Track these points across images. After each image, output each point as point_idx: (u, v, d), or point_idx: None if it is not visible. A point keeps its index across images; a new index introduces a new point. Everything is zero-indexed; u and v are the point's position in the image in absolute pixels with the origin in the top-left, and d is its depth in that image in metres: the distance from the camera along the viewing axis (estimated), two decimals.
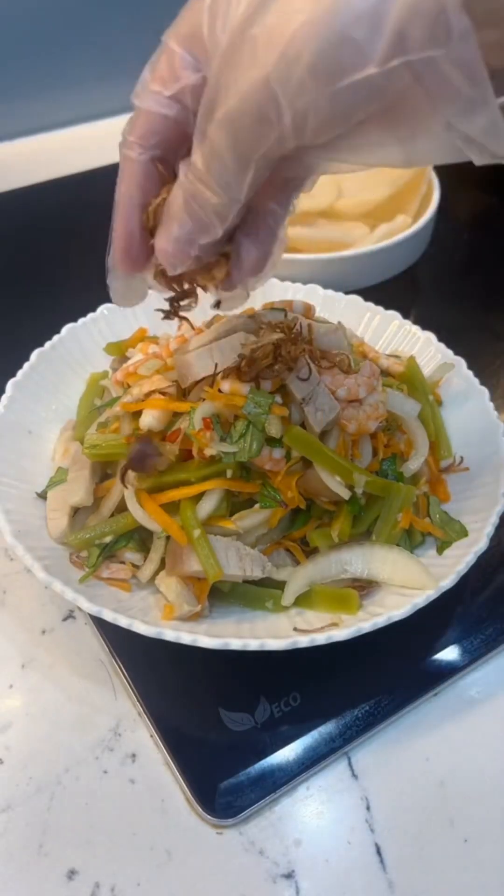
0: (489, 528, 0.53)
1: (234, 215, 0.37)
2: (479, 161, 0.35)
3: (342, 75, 0.30)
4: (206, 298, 0.47)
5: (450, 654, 0.54)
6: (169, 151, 0.39)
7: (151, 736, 0.50)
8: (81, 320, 0.66)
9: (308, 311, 0.60)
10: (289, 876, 0.45)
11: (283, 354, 0.50)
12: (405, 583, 0.52)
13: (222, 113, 0.33)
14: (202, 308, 0.69)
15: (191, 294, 0.45)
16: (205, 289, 0.44)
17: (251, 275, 0.43)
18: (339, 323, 0.59)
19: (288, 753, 0.49)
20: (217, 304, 0.46)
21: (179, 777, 0.48)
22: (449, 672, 0.53)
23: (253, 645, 0.47)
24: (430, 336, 0.67)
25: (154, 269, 0.43)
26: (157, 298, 0.70)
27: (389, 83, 0.31)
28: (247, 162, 0.34)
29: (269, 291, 0.70)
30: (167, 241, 0.39)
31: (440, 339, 0.67)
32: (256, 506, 0.52)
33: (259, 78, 0.32)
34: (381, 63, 0.30)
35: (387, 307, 0.69)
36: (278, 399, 0.50)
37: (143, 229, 0.41)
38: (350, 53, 0.30)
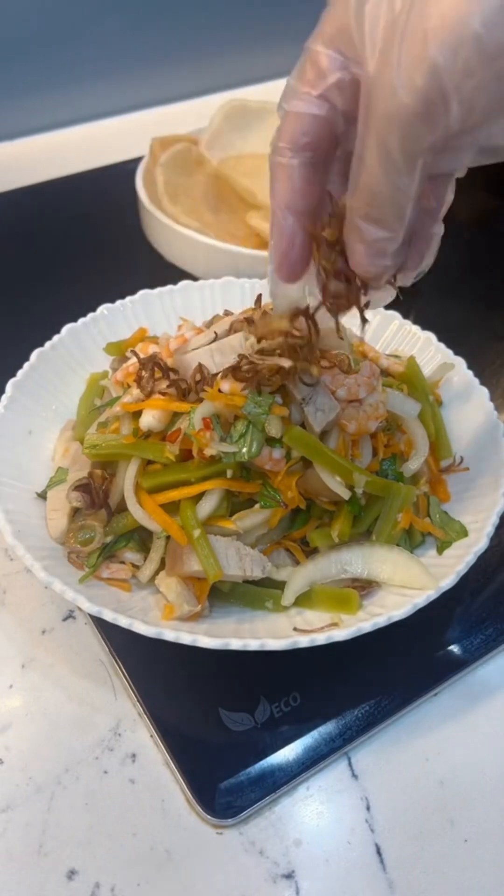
0: (489, 528, 0.53)
1: (410, 215, 0.36)
2: None
3: None
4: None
5: (450, 654, 0.54)
6: (320, 153, 0.39)
7: (151, 736, 0.50)
8: (81, 320, 0.66)
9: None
10: (289, 876, 0.45)
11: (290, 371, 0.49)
12: (405, 583, 0.52)
13: (387, 110, 0.32)
14: (202, 308, 0.69)
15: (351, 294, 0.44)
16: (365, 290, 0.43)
17: (413, 270, 0.43)
18: (340, 323, 0.59)
19: (288, 753, 0.49)
20: (366, 305, 0.45)
21: (179, 777, 0.48)
22: (449, 672, 0.53)
23: (253, 645, 0.47)
24: (430, 336, 0.67)
25: (320, 281, 0.42)
26: (158, 295, 0.71)
27: None
28: (416, 158, 0.33)
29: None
30: (362, 258, 0.38)
31: (440, 339, 0.67)
32: (256, 506, 0.52)
33: (425, 69, 0.31)
34: None
35: (387, 307, 0.69)
36: (278, 399, 0.50)
37: (302, 237, 0.41)
38: None
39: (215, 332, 0.56)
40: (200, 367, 0.52)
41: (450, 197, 0.42)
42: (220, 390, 0.50)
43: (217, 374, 0.51)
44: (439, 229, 0.43)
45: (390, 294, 0.45)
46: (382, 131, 0.33)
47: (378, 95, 0.33)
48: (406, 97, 0.31)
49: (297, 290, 0.44)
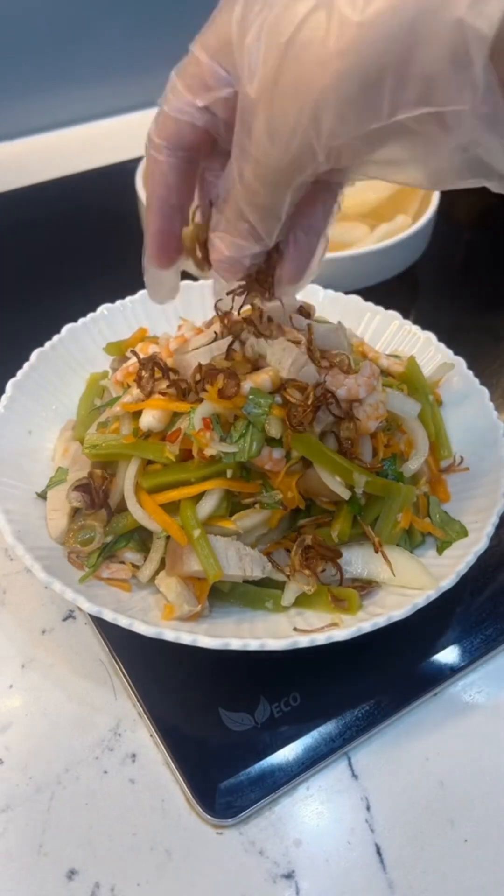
0: (489, 528, 0.53)
1: (277, 230, 0.39)
2: (496, 188, 0.37)
3: (370, 121, 0.32)
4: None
5: (450, 654, 0.54)
6: (195, 153, 0.41)
7: (151, 736, 0.50)
8: (81, 320, 0.66)
9: (308, 311, 0.60)
10: (289, 876, 0.45)
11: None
12: (405, 583, 0.52)
13: (259, 152, 0.35)
14: (202, 308, 0.69)
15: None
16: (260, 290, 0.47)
17: (289, 283, 0.46)
18: (339, 323, 0.59)
19: (288, 753, 0.49)
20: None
21: (179, 777, 0.48)
22: (449, 672, 0.53)
23: (253, 645, 0.47)
24: (430, 336, 0.67)
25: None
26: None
27: (416, 125, 0.32)
28: (284, 193, 0.37)
29: None
30: (219, 259, 0.42)
31: (440, 339, 0.67)
32: (256, 506, 0.52)
33: (293, 125, 0.33)
34: (407, 110, 0.31)
35: (387, 307, 0.69)
36: (278, 399, 0.51)
37: (173, 227, 0.43)
38: (376, 104, 0.32)
39: (215, 332, 0.56)
40: (200, 366, 0.52)
41: (334, 209, 0.45)
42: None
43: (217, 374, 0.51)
44: (319, 246, 0.45)
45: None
46: (252, 168, 0.36)
47: (254, 131, 0.35)
48: (277, 151, 0.34)
49: (171, 276, 0.46)
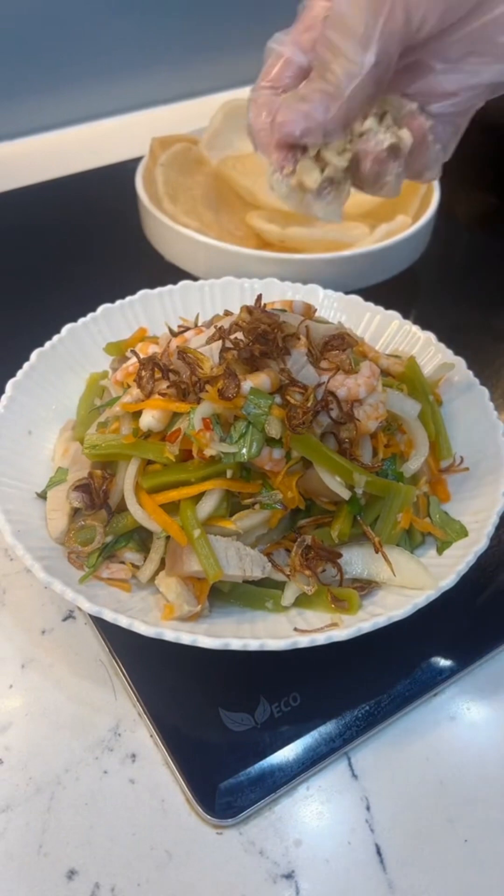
0: (489, 528, 0.53)
1: (360, 89, 0.41)
2: None
3: None
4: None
5: (450, 654, 0.54)
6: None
7: (151, 736, 0.50)
8: (81, 320, 0.66)
9: (308, 311, 0.60)
10: (289, 876, 0.45)
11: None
12: (405, 583, 0.52)
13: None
14: (202, 308, 0.69)
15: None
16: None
17: (418, 166, 0.47)
18: (339, 323, 0.59)
19: (288, 753, 0.49)
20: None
21: (179, 777, 0.48)
22: (449, 672, 0.53)
23: (253, 645, 0.47)
24: (430, 336, 0.67)
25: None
26: (158, 295, 0.71)
27: None
28: (373, 24, 0.39)
29: (269, 291, 0.70)
30: (287, 103, 0.43)
31: (440, 339, 0.67)
32: (256, 506, 0.52)
33: None
34: None
35: (387, 307, 0.69)
36: (278, 399, 0.51)
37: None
38: None
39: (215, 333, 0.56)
40: (194, 368, 0.51)
41: (456, 137, 0.46)
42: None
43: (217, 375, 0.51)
44: (434, 147, 0.46)
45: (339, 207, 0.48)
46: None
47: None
48: None
49: (288, 181, 0.47)
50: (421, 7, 0.38)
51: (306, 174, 0.46)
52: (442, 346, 0.66)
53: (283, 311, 0.57)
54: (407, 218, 0.82)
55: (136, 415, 0.53)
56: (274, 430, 0.50)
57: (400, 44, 0.40)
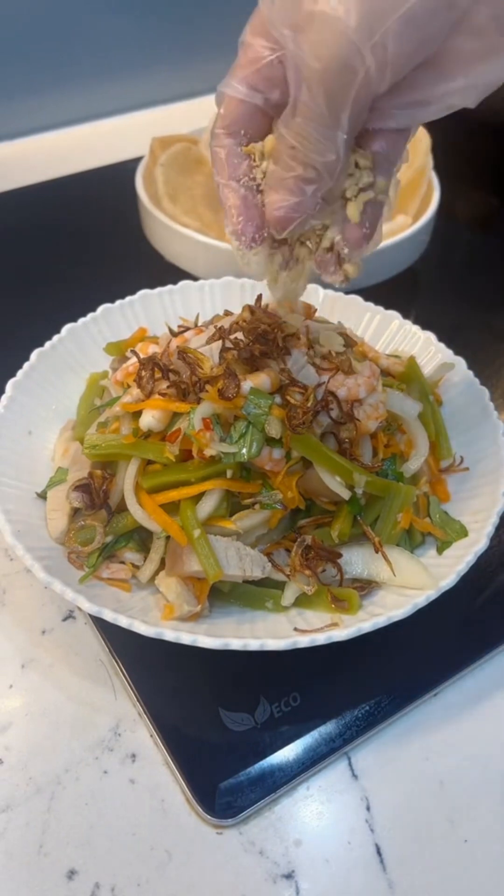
0: (489, 528, 0.53)
1: (338, 168, 0.40)
2: None
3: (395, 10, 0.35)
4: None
5: (450, 653, 0.54)
6: (252, 135, 0.43)
7: (151, 736, 0.50)
8: (81, 320, 0.66)
9: (308, 311, 0.60)
10: (289, 876, 0.45)
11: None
12: (405, 583, 0.52)
13: (313, 69, 0.37)
14: (202, 308, 0.69)
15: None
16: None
17: (354, 246, 0.45)
18: (340, 323, 0.59)
19: (288, 753, 0.49)
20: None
21: (179, 777, 0.48)
22: (449, 672, 0.53)
23: (253, 645, 0.47)
24: (430, 336, 0.67)
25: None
26: (158, 295, 0.71)
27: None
28: (342, 106, 0.37)
29: None
30: (276, 200, 0.42)
31: (440, 339, 0.67)
32: (256, 506, 0.52)
33: (341, 34, 0.35)
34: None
35: (387, 307, 0.69)
36: (278, 399, 0.51)
37: (252, 198, 0.44)
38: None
39: (215, 333, 0.56)
40: (194, 368, 0.51)
41: (401, 158, 0.45)
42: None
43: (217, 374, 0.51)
44: (384, 206, 0.45)
45: (340, 277, 0.47)
46: (307, 90, 0.37)
47: (301, 64, 0.37)
48: (328, 56, 0.36)
49: (260, 259, 0.46)
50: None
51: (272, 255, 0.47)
52: (442, 346, 0.66)
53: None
54: (407, 218, 0.82)
55: (136, 415, 0.53)
56: (274, 430, 0.50)
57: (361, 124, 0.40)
